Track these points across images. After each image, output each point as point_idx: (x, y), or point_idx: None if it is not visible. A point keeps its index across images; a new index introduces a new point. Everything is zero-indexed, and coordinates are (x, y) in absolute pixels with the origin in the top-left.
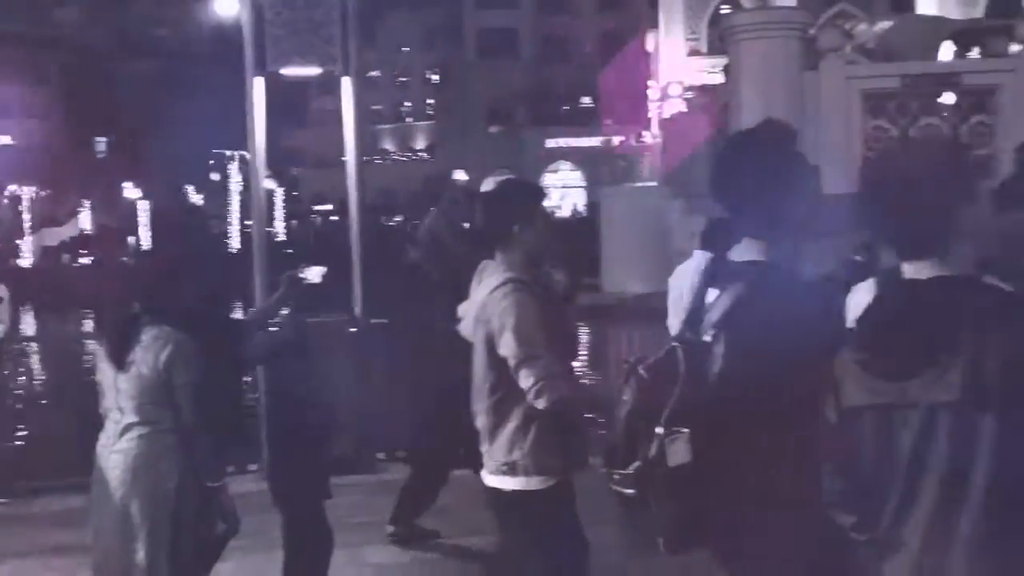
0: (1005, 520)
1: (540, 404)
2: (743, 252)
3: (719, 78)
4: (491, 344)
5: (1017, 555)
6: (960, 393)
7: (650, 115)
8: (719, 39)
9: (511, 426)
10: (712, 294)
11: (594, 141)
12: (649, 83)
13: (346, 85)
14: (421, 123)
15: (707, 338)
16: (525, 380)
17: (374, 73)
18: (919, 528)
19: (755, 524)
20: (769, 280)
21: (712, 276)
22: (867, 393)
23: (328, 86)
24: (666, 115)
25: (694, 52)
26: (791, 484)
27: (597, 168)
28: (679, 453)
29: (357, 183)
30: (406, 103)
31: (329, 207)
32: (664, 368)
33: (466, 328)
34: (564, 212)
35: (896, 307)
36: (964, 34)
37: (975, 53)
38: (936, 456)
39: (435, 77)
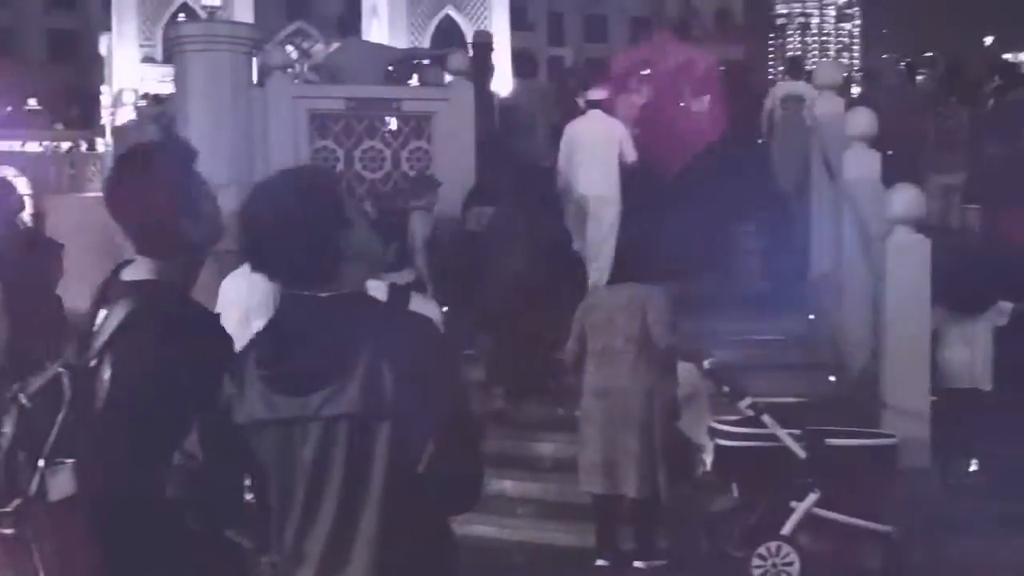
0: (400, 521)
1: None
2: (135, 271)
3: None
4: None
5: (412, 552)
6: (358, 405)
7: (103, 122)
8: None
9: None
10: (103, 315)
11: (41, 146)
12: (102, 88)
13: None
14: None
15: (94, 362)
16: None
17: None
18: (320, 540)
19: (136, 557)
20: (157, 301)
21: (103, 296)
22: (268, 409)
23: None
24: (118, 122)
25: (148, 59)
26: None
27: (44, 176)
28: (62, 486)
29: None
30: None
31: None
32: (48, 395)
33: None
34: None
35: (295, 324)
36: (405, 62)
37: (415, 81)
38: (335, 467)
39: None
